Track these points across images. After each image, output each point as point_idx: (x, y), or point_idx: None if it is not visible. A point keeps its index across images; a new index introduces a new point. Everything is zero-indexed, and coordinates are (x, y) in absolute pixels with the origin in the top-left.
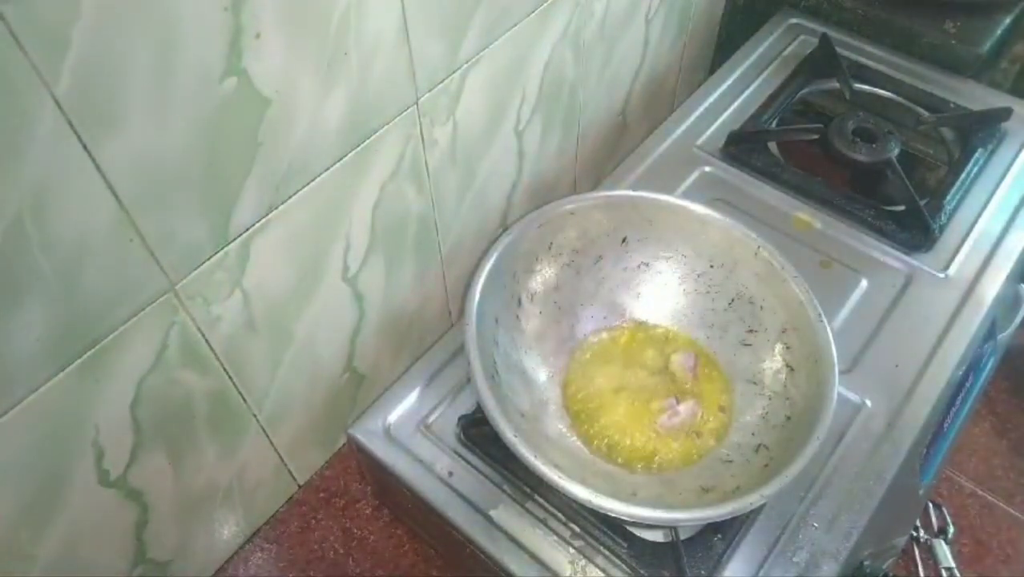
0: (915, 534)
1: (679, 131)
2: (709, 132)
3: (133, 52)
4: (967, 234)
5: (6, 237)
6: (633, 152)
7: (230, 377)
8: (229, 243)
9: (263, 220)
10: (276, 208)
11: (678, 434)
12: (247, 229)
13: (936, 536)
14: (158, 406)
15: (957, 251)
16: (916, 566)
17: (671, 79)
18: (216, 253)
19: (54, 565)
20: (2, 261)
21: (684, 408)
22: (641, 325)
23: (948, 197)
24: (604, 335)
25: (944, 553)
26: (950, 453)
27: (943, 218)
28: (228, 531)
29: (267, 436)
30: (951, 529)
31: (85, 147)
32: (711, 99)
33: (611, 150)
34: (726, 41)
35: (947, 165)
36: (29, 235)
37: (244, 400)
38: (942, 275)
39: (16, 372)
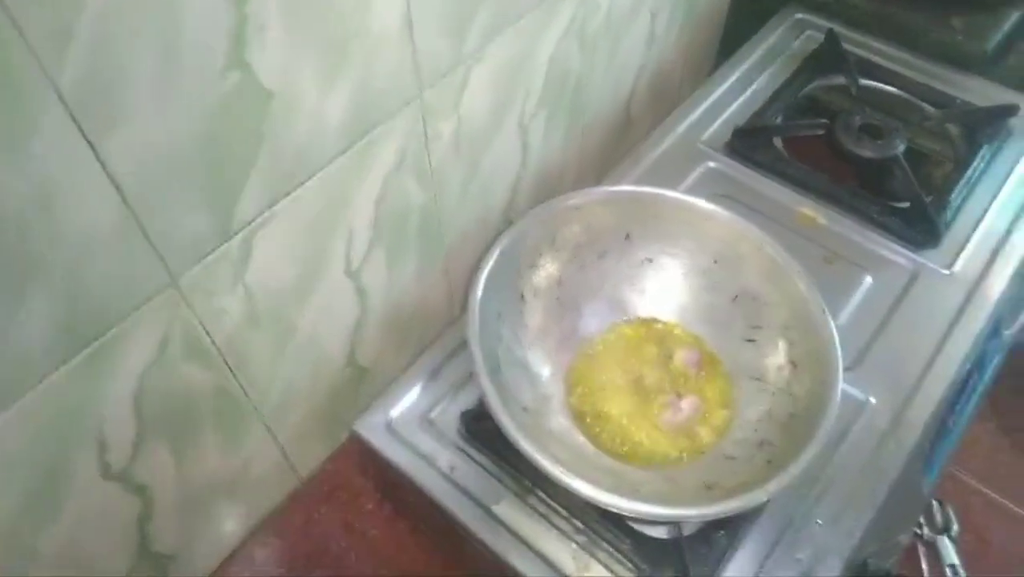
0: (919, 531)
1: (684, 126)
2: (714, 127)
3: (137, 44)
4: (973, 231)
5: (11, 230)
6: (638, 147)
7: (232, 371)
8: (232, 237)
9: (266, 214)
10: (279, 202)
11: (680, 430)
12: (250, 223)
13: (940, 533)
14: (161, 400)
15: (963, 248)
16: (920, 563)
17: (676, 74)
18: (219, 247)
19: (58, 558)
20: (7, 254)
21: (686, 404)
22: (644, 321)
23: (954, 193)
24: (607, 331)
25: (948, 550)
26: (954, 450)
27: (948, 215)
28: (231, 525)
29: (269, 430)
30: (955, 526)
31: (88, 140)
32: (716, 94)
33: (615, 144)
34: (731, 36)
35: (953, 161)
36: (33, 228)
37: (246, 394)
38: (947, 272)
39: (21, 365)
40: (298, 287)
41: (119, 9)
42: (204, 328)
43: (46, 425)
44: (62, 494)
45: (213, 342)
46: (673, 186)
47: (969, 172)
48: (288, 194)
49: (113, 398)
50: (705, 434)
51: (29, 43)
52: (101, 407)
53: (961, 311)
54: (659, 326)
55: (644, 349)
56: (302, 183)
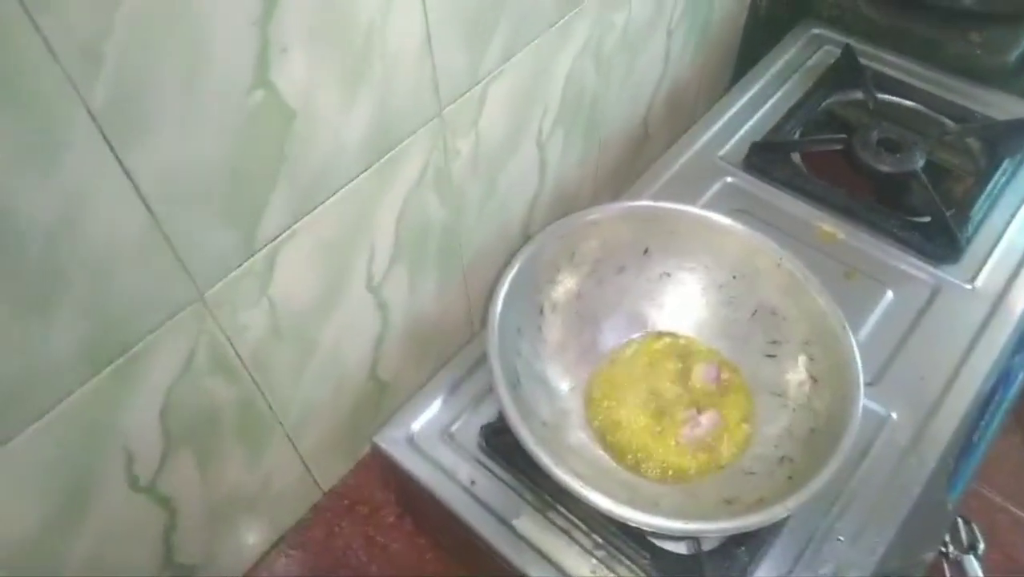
0: (944, 550)
1: (701, 142)
2: (731, 143)
3: (164, 65)
4: (995, 245)
5: (42, 246)
6: (655, 163)
7: (256, 385)
8: (256, 252)
9: (289, 230)
10: (302, 218)
11: (700, 445)
12: (274, 239)
13: (966, 552)
14: (186, 413)
15: (985, 262)
16: None
17: (693, 90)
18: (243, 262)
19: (85, 567)
20: (38, 270)
21: (706, 419)
22: (663, 336)
23: (975, 208)
24: (626, 345)
25: (974, 569)
26: (979, 467)
27: (970, 229)
28: (253, 537)
29: (292, 443)
30: (981, 545)
31: (118, 158)
32: (733, 110)
33: (632, 161)
34: (748, 52)
35: (974, 176)
36: (63, 244)
37: (270, 407)
38: (969, 287)
39: (50, 378)
40: (321, 302)
41: (147, 30)
42: (230, 342)
43: (75, 437)
44: (90, 505)
45: (238, 356)
46: (691, 201)
47: (990, 186)
48: (311, 211)
49: (140, 411)
50: (725, 449)
51: (62, 65)
52: (128, 420)
53: (984, 326)
54: (678, 341)
55: (663, 364)
56: (324, 200)
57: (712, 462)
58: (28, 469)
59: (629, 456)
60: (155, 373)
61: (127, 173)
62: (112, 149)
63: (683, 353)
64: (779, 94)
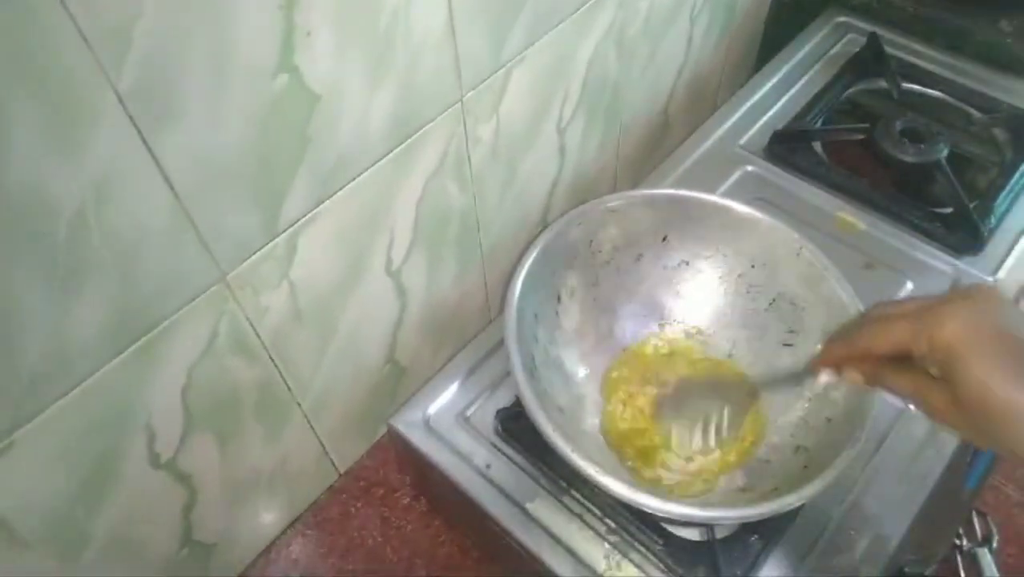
0: (958, 542)
1: (722, 130)
2: (752, 131)
3: (191, 49)
4: (1018, 237)
5: (69, 227)
6: (675, 150)
7: (276, 366)
8: (278, 235)
9: (311, 213)
10: (323, 202)
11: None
12: (295, 222)
13: (980, 545)
14: (207, 392)
15: (1007, 255)
16: (958, 575)
17: (715, 77)
18: (265, 245)
19: (108, 542)
20: (65, 251)
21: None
22: (680, 327)
23: (999, 199)
24: (642, 333)
25: (988, 563)
26: (997, 461)
27: (993, 221)
28: (270, 516)
29: (310, 424)
30: (996, 538)
31: (144, 141)
32: (755, 98)
33: (653, 148)
34: (771, 40)
35: (998, 167)
36: (90, 225)
37: (289, 389)
38: (991, 279)
39: (75, 356)
40: (341, 285)
41: (175, 15)
42: (251, 323)
43: (99, 414)
44: (113, 481)
45: (259, 337)
46: (711, 190)
47: (1015, 177)
48: (332, 195)
49: (162, 389)
50: (736, 445)
51: (91, 47)
52: (151, 398)
53: None
54: (695, 334)
55: (677, 356)
56: (346, 184)
57: (723, 458)
58: (54, 444)
59: (639, 449)
60: (177, 352)
61: (153, 155)
62: (139, 132)
63: (698, 344)
64: (802, 82)
